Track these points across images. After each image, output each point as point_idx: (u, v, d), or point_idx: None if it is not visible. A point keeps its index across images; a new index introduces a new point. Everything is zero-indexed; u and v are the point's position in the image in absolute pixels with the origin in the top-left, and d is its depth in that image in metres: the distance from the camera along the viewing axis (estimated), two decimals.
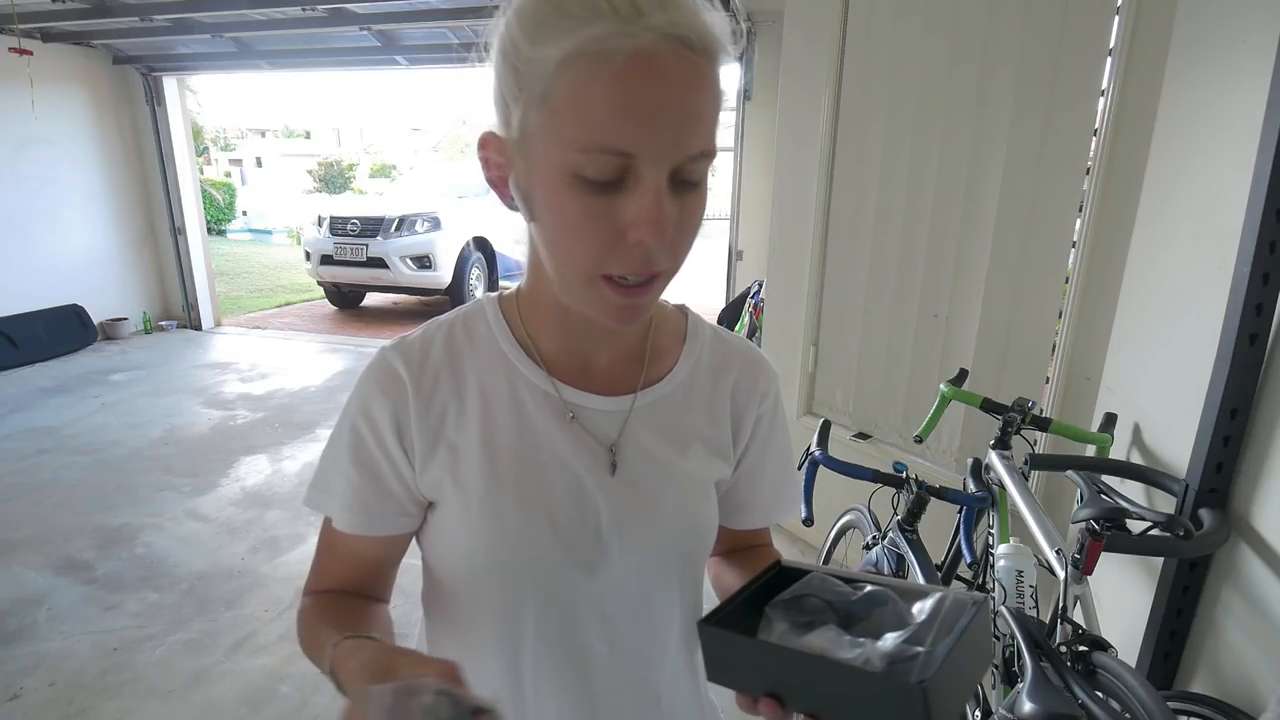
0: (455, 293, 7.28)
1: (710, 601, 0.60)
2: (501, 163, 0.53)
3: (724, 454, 0.67)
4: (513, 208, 0.54)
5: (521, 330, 0.62)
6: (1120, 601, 1.55)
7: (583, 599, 0.60)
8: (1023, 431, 1.60)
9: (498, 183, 0.54)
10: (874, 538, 1.59)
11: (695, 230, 0.52)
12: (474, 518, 0.58)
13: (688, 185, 0.49)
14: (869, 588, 0.53)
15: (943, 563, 1.71)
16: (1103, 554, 1.10)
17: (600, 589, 0.60)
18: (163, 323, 6.50)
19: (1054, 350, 2.01)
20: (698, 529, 0.65)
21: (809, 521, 1.41)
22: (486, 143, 0.53)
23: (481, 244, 7.47)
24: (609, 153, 0.45)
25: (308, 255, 7.39)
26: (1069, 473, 1.36)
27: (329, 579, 0.65)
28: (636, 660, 0.64)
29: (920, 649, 0.45)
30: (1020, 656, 1.02)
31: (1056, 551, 1.18)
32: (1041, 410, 1.67)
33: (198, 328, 6.56)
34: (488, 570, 0.59)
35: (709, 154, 0.48)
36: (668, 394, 0.64)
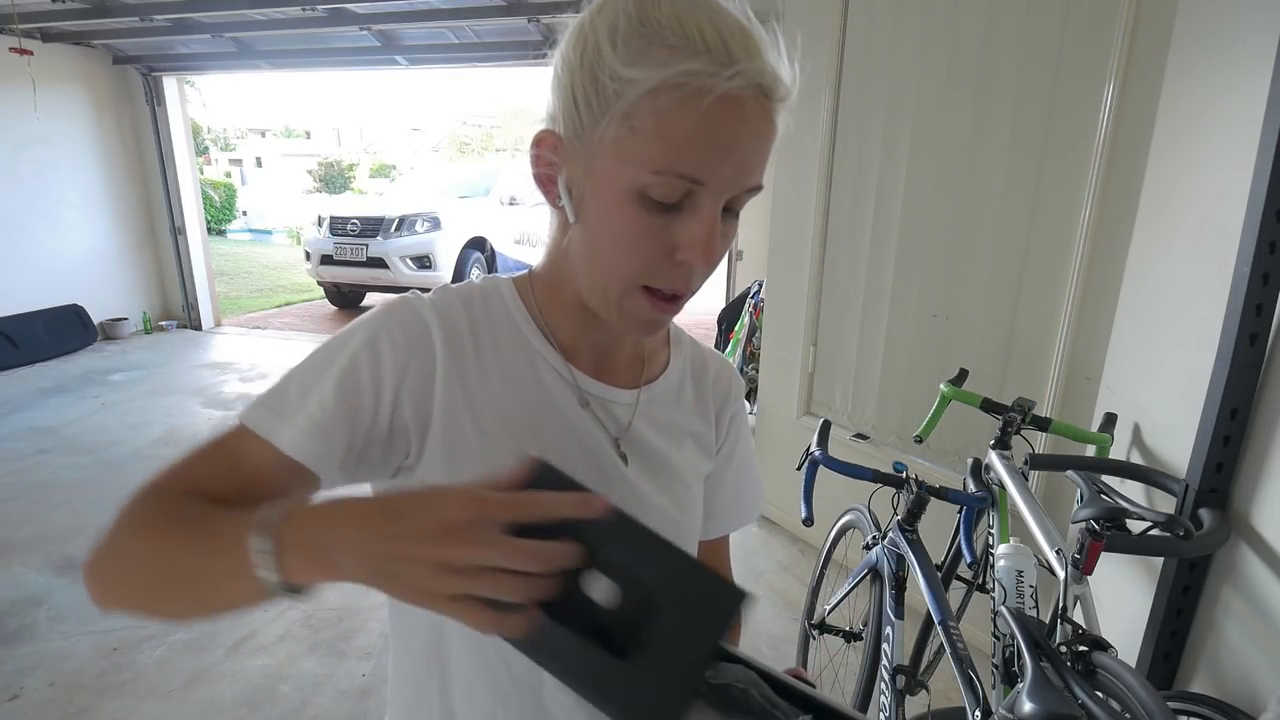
0: None
1: None
2: (555, 161, 0.53)
3: (708, 451, 0.71)
4: (557, 206, 0.55)
5: (537, 315, 0.62)
6: (1120, 601, 1.55)
7: None
8: (1023, 431, 1.60)
9: (545, 180, 0.55)
10: (874, 538, 1.59)
11: (725, 254, 0.55)
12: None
13: (731, 214, 0.53)
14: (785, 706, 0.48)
15: (943, 563, 1.71)
16: (1103, 554, 1.10)
17: None
18: (163, 323, 6.50)
19: (1054, 350, 2.01)
20: (693, 519, 0.68)
21: (809, 521, 1.41)
22: (543, 140, 0.54)
23: (481, 244, 7.47)
24: (684, 179, 0.48)
25: (308, 255, 7.39)
26: (1069, 473, 1.35)
27: (199, 485, 0.51)
28: None
29: None
30: (1020, 656, 1.02)
31: (1056, 551, 1.18)
32: (1042, 410, 1.67)
33: (198, 328, 6.56)
34: None
35: (759, 189, 0.52)
36: (664, 391, 0.67)
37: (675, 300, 0.54)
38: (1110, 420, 1.62)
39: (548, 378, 0.60)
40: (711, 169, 0.48)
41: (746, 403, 0.76)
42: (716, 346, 4.08)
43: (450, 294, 0.61)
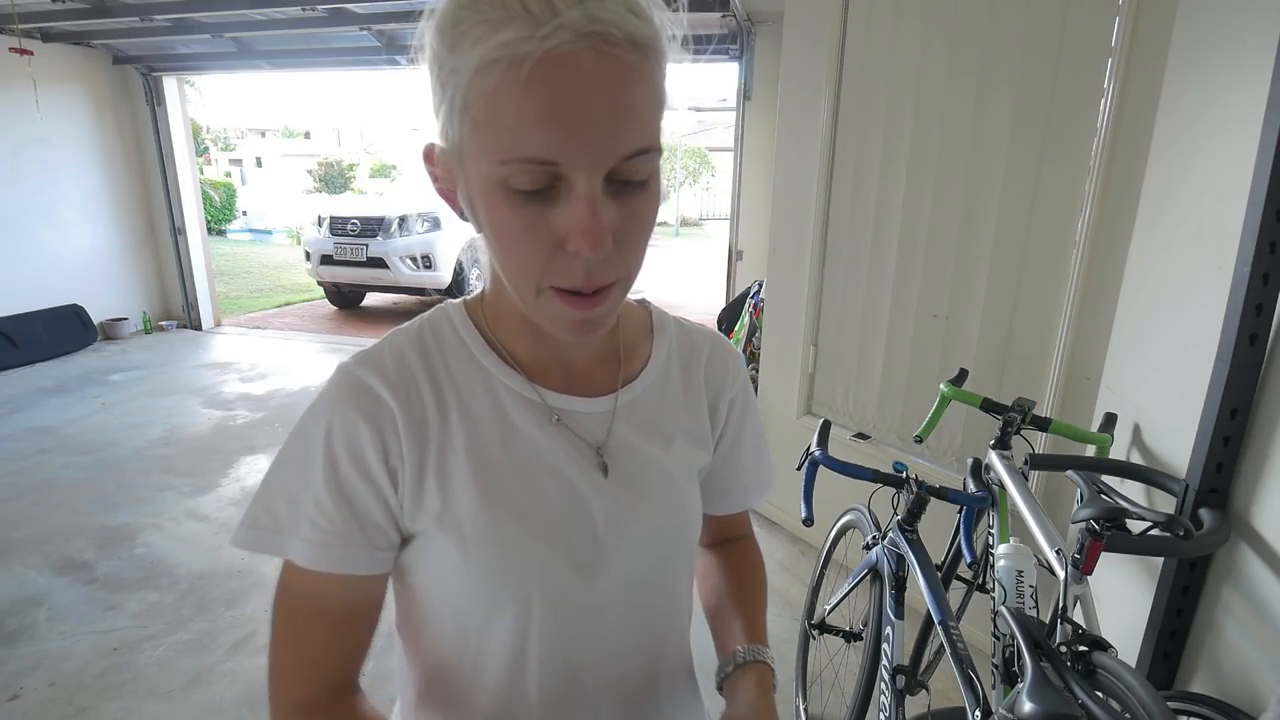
0: (455, 292, 7.27)
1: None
2: (446, 174, 0.51)
3: (704, 442, 0.67)
4: (465, 219, 0.52)
5: (492, 336, 0.59)
6: (1120, 601, 1.55)
7: (584, 604, 0.59)
8: (1023, 431, 1.60)
9: (447, 195, 0.52)
10: (874, 538, 1.59)
11: (645, 232, 0.49)
12: (470, 540, 0.55)
13: (631, 185, 0.46)
14: None
15: (943, 563, 1.71)
16: (1103, 554, 1.10)
17: (600, 591, 0.59)
18: (163, 323, 6.50)
19: (1054, 350, 2.01)
20: (688, 521, 0.65)
21: (809, 521, 1.41)
22: (429, 154, 0.51)
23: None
24: (531, 162, 0.43)
25: (308, 255, 7.39)
26: (1069, 473, 1.35)
27: (310, 665, 0.55)
28: (639, 656, 0.64)
29: None
30: (1020, 656, 1.02)
31: (1056, 551, 1.18)
32: (1042, 410, 1.67)
33: (198, 328, 6.56)
34: (489, 593, 0.56)
35: (649, 150, 0.45)
36: (646, 389, 0.64)
37: (595, 297, 0.48)
38: (1110, 420, 1.61)
39: (509, 403, 0.58)
40: (559, 144, 0.42)
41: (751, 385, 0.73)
42: None
43: (397, 341, 0.58)
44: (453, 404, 0.56)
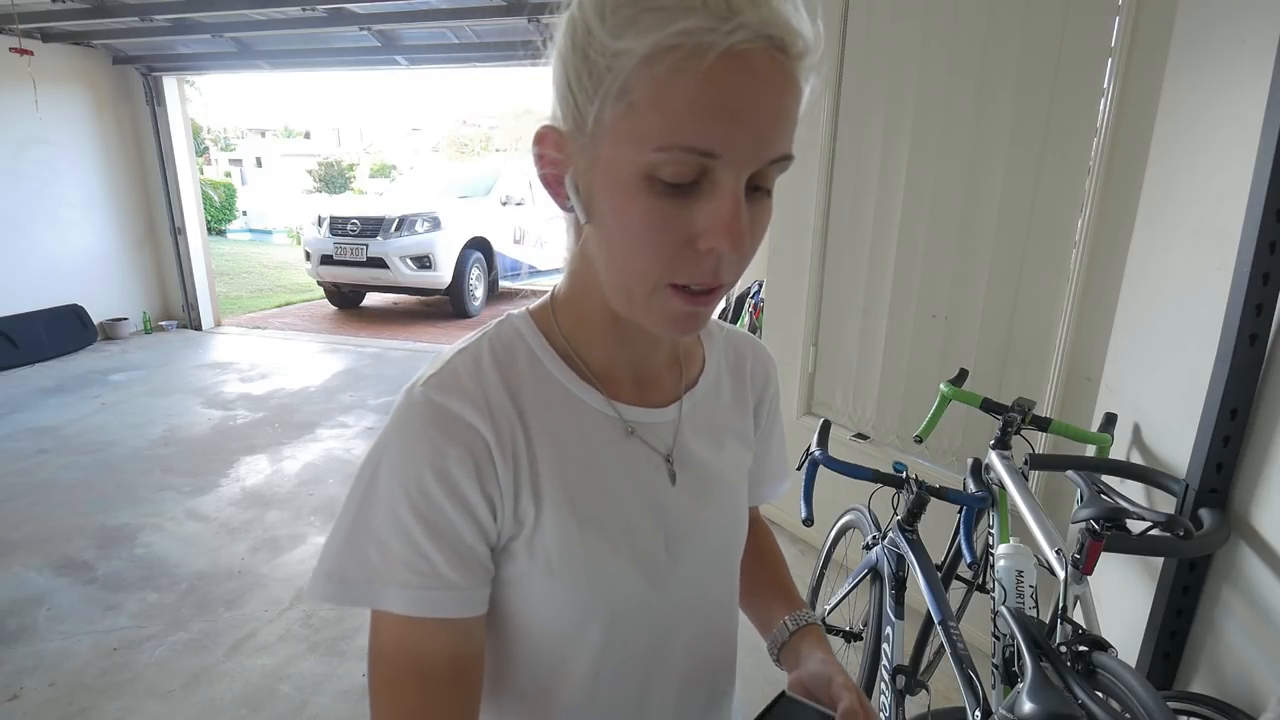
0: (455, 292, 7.28)
1: None
2: (559, 159, 0.49)
3: (749, 442, 0.69)
4: (566, 208, 0.51)
5: (565, 346, 0.57)
6: (1120, 601, 1.55)
7: (655, 614, 0.59)
8: (1023, 431, 1.60)
9: (552, 181, 0.50)
10: (874, 538, 1.59)
11: (762, 238, 0.49)
12: (558, 564, 0.53)
13: (761, 192, 0.47)
14: None
15: (943, 563, 1.71)
16: (1103, 554, 1.10)
17: (671, 601, 0.59)
18: (163, 323, 6.50)
19: (1054, 350, 2.01)
20: (742, 520, 0.67)
21: (809, 521, 1.41)
22: (544, 137, 0.49)
23: (481, 244, 7.47)
24: (692, 152, 0.43)
25: (308, 255, 7.40)
26: (1069, 473, 1.36)
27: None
28: (701, 659, 0.65)
29: None
30: (1020, 656, 1.02)
31: (1056, 551, 1.18)
32: (1042, 410, 1.67)
33: (198, 328, 6.56)
34: (577, 615, 0.55)
35: (788, 159, 0.46)
36: (704, 394, 0.65)
37: (710, 294, 0.48)
38: (1110, 420, 1.62)
39: (588, 419, 0.56)
40: (724, 138, 0.42)
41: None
42: None
43: (467, 360, 0.54)
44: (534, 423, 0.54)
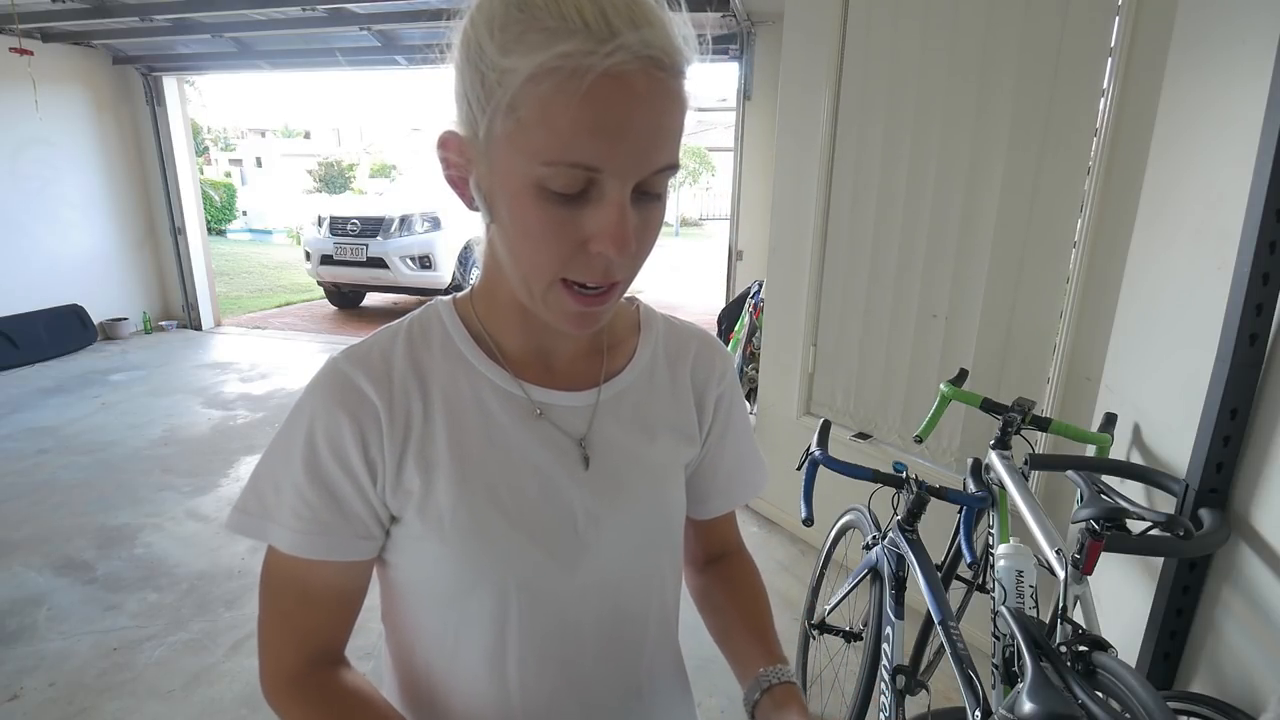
0: (455, 292, 7.27)
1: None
2: (462, 163, 0.52)
3: (691, 437, 0.69)
4: (473, 208, 0.54)
5: (480, 331, 0.61)
6: (1120, 601, 1.55)
7: (565, 597, 0.60)
8: (1023, 431, 1.60)
9: (457, 183, 0.53)
10: (874, 538, 1.59)
11: (654, 240, 0.53)
12: (449, 530, 0.57)
13: (649, 197, 0.50)
14: None
15: (943, 563, 1.71)
16: (1103, 554, 1.10)
17: (581, 584, 0.61)
18: (163, 323, 6.50)
19: (1054, 350, 2.01)
20: (671, 514, 0.67)
21: (809, 521, 1.41)
22: (447, 142, 0.52)
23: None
24: (576, 167, 0.46)
25: (308, 255, 7.39)
26: (1069, 473, 1.36)
27: (297, 638, 0.59)
28: (619, 649, 0.65)
29: None
30: (1020, 656, 1.02)
31: (1056, 551, 1.18)
32: (1042, 410, 1.67)
33: (198, 328, 6.56)
34: (467, 582, 0.58)
35: (673, 167, 0.49)
36: (631, 384, 0.65)
37: (604, 294, 0.52)
38: (1110, 420, 1.62)
39: (492, 399, 0.59)
40: (605, 154, 0.45)
41: (740, 384, 0.74)
42: None
43: (385, 338, 0.60)
44: (436, 398, 0.58)
